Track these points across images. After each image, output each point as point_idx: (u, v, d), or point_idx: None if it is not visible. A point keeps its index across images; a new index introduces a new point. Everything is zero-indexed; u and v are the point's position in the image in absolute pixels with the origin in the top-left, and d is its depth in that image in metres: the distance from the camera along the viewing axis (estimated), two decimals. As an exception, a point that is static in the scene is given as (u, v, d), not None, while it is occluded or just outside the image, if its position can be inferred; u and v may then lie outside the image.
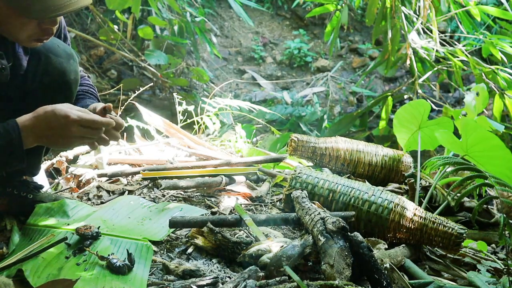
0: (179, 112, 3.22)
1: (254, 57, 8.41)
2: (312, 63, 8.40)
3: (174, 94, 3.43)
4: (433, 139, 2.31)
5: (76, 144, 1.52)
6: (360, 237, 1.47)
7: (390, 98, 4.39)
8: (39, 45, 1.58)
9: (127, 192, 2.16)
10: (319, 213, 1.58)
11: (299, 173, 2.02)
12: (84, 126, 1.45)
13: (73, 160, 2.61)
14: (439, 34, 4.26)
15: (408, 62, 4.22)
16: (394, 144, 3.48)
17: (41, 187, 1.92)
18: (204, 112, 3.32)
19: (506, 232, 1.58)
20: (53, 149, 1.77)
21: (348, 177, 2.30)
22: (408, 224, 1.77)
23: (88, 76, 1.94)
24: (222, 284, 1.44)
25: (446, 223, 1.73)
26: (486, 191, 2.33)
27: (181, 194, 2.18)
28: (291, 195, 1.82)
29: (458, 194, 1.83)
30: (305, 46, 8.49)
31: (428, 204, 2.03)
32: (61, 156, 2.58)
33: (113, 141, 1.60)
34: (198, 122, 3.29)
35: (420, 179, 2.17)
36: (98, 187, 2.20)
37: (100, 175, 2.30)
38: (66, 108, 1.45)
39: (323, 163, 2.45)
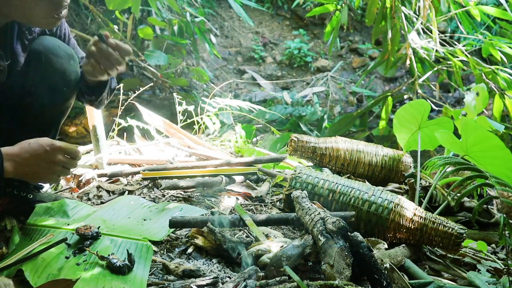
0: (179, 112, 3.22)
1: (254, 57, 8.41)
2: (312, 63, 8.40)
3: (174, 94, 3.43)
4: (433, 139, 2.31)
5: (56, 175, 1.53)
6: (360, 237, 1.47)
7: (390, 98, 4.39)
8: (55, 24, 1.59)
9: (127, 192, 2.16)
10: (319, 213, 1.58)
11: (299, 173, 2.02)
12: (67, 155, 1.50)
13: (73, 160, 2.60)
14: (439, 34, 4.26)
15: (408, 62, 4.22)
16: (394, 144, 3.48)
17: (41, 187, 1.92)
18: (204, 112, 3.32)
19: (506, 232, 1.58)
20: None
21: (348, 177, 2.30)
22: (408, 224, 1.77)
23: None
24: (222, 284, 1.44)
25: (446, 223, 1.73)
26: (486, 191, 2.33)
27: (181, 194, 2.18)
28: (291, 195, 1.82)
29: (458, 194, 1.83)
30: (305, 46, 8.49)
31: (428, 204, 2.03)
32: (61, 156, 2.57)
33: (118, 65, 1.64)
34: (198, 122, 3.29)
35: (420, 179, 2.17)
36: (98, 187, 2.20)
37: (100, 175, 2.30)
38: (50, 139, 1.51)
39: (323, 163, 2.45)
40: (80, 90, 1.83)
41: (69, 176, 2.36)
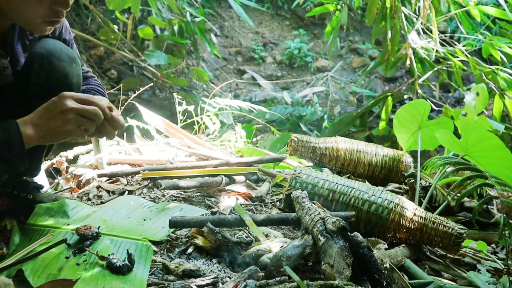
0: (179, 112, 3.22)
1: (254, 57, 8.42)
2: (312, 63, 8.41)
3: (174, 94, 3.43)
4: (433, 139, 2.31)
5: (72, 125, 1.43)
6: (360, 237, 1.47)
7: (390, 98, 4.39)
8: (49, 31, 1.57)
9: (127, 192, 2.16)
10: (319, 213, 1.58)
11: (299, 173, 2.02)
12: (78, 102, 1.43)
13: (73, 160, 2.61)
14: (439, 34, 4.27)
15: (408, 62, 4.22)
16: (394, 144, 3.48)
17: (41, 187, 1.91)
18: (204, 112, 3.32)
19: (506, 232, 1.58)
20: (55, 143, 1.75)
21: (348, 177, 2.30)
22: (408, 224, 1.77)
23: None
24: (222, 284, 1.44)
25: (446, 223, 1.73)
26: (486, 191, 2.33)
27: (181, 194, 2.18)
28: (291, 195, 1.82)
29: (458, 194, 1.83)
30: (305, 46, 8.50)
31: (428, 204, 2.03)
32: (61, 156, 2.58)
33: (108, 137, 1.58)
34: (198, 122, 3.29)
35: (420, 179, 2.17)
36: (98, 187, 2.20)
37: (100, 175, 2.30)
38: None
39: (323, 163, 2.45)
40: None
41: (69, 176, 2.36)
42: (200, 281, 1.43)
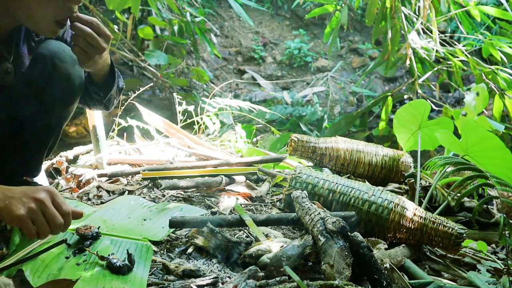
0: (179, 112, 3.22)
1: (254, 57, 8.42)
2: (312, 63, 8.41)
3: (174, 94, 3.43)
4: (433, 139, 2.31)
5: (25, 217, 1.27)
6: (360, 237, 1.47)
7: (390, 98, 4.39)
8: (59, 32, 1.55)
9: (127, 192, 2.16)
10: (319, 213, 1.58)
11: (299, 173, 2.02)
12: (54, 204, 1.32)
13: (73, 160, 2.61)
14: (439, 34, 4.27)
15: (408, 62, 4.22)
16: (394, 144, 3.48)
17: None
18: (204, 112, 3.32)
19: (506, 232, 1.58)
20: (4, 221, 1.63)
21: (348, 177, 2.30)
22: (408, 224, 1.77)
23: None
24: (222, 284, 1.44)
25: (446, 223, 1.73)
26: (486, 191, 2.33)
27: (181, 194, 2.18)
28: (291, 195, 1.82)
29: (458, 194, 1.83)
30: (305, 46, 8.50)
31: (428, 204, 2.03)
32: (61, 156, 2.58)
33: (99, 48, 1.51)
34: (198, 122, 3.29)
35: (420, 179, 2.17)
36: (98, 187, 2.20)
37: (100, 175, 2.30)
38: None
39: (323, 163, 2.45)
40: (88, 92, 1.80)
41: (69, 176, 2.36)
42: (200, 281, 1.43)
